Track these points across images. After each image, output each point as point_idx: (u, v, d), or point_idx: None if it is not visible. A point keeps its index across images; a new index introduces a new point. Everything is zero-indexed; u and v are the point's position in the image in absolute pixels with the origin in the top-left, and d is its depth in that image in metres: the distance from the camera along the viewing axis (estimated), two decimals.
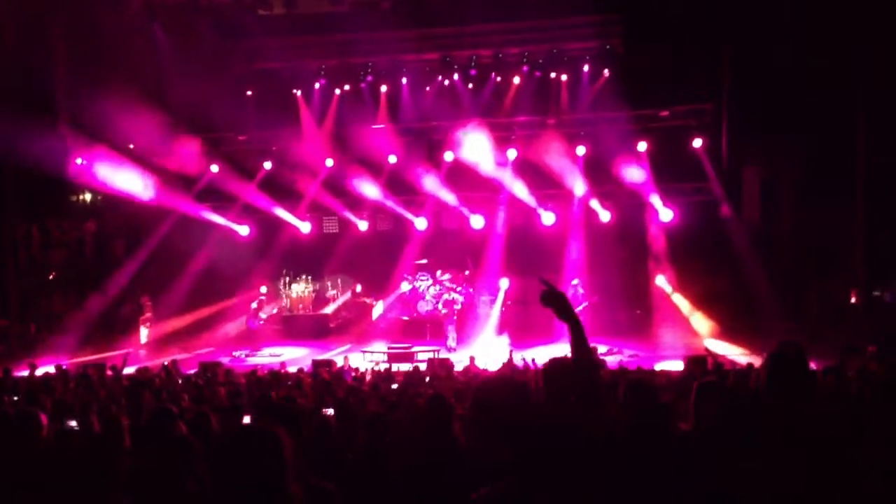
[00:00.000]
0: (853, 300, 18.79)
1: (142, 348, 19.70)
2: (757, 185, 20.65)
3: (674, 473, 3.63)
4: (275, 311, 21.72)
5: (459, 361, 15.48)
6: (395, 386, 11.19)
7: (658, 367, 13.51)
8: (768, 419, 3.48)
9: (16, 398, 9.82)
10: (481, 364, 14.69)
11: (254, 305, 20.01)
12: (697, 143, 20.44)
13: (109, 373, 13.07)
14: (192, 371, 13.91)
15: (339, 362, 15.47)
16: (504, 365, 13.84)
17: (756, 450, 3.22)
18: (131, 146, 20.92)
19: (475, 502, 2.76)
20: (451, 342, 19.07)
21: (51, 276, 22.00)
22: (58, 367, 13.75)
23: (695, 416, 4.34)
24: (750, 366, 11.52)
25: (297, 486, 2.93)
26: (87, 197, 22.78)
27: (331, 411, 7.25)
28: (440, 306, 21.17)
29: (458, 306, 20.90)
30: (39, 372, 13.78)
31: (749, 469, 3.12)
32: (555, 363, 3.82)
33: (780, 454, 3.18)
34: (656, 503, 3.57)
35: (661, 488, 3.56)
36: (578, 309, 18.51)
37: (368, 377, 13.05)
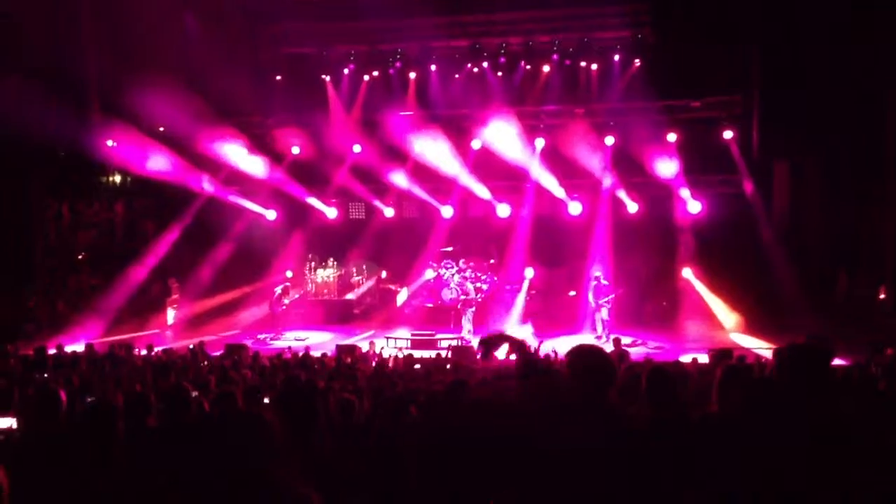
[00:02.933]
0: (881, 296, 18.54)
1: (168, 329, 19.91)
2: (787, 178, 20.42)
3: (697, 459, 3.61)
4: (297, 296, 21.84)
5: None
6: (417, 368, 11.23)
7: (683, 359, 13.42)
8: (782, 409, 3.46)
9: (45, 375, 9.98)
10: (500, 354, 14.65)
11: (278, 290, 20.13)
12: (728, 134, 20.23)
13: (138, 352, 13.24)
14: (217, 353, 14.04)
15: (363, 348, 15.54)
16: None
17: (775, 440, 3.21)
18: (161, 129, 21.08)
19: None
20: (466, 332, 19.07)
21: (80, 257, 22.25)
22: (88, 346, 13.94)
23: (719, 400, 4.32)
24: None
25: (283, 472, 2.94)
26: (118, 179, 23.00)
27: (353, 396, 7.29)
28: (462, 295, 21.17)
29: (478, 296, 20.83)
30: (67, 350, 13.96)
31: (769, 458, 3.10)
32: (578, 352, 3.80)
33: (795, 446, 3.16)
34: (679, 490, 3.56)
35: (683, 474, 3.54)
36: (604, 300, 18.53)
37: (391, 363, 13.11)
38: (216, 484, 2.86)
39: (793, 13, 18.41)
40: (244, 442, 2.94)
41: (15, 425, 6.34)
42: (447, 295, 21.63)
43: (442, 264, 21.99)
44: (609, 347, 16.10)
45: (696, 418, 4.22)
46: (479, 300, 20.64)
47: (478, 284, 21.26)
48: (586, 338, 17.82)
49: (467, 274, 21.42)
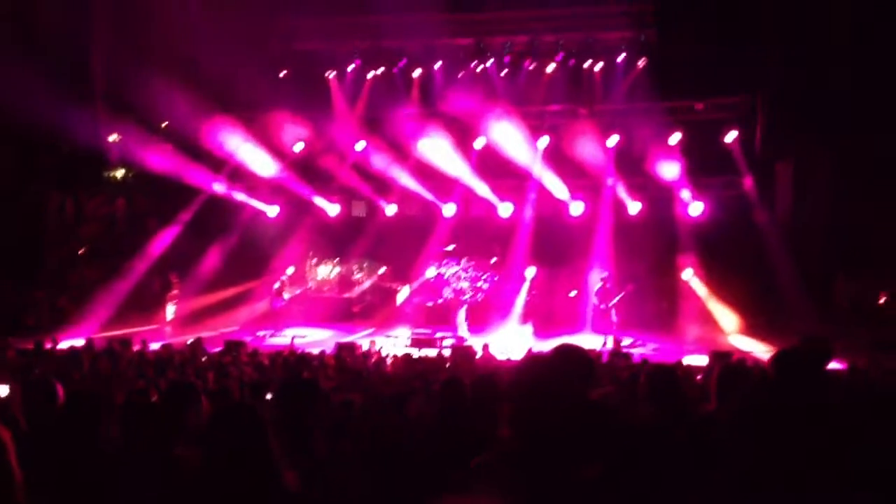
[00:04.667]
0: (881, 301, 18.50)
1: (167, 325, 19.90)
2: (790, 180, 20.36)
3: (698, 456, 3.60)
4: (298, 291, 21.84)
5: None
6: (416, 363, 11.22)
7: (683, 360, 13.40)
8: (777, 409, 3.44)
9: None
10: (498, 352, 14.67)
11: (276, 286, 20.15)
12: (731, 136, 20.21)
13: (136, 347, 13.24)
14: (216, 349, 14.02)
15: (363, 346, 15.52)
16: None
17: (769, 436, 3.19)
18: (165, 124, 21.07)
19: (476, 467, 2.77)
20: (462, 331, 19.07)
21: (81, 251, 22.25)
22: (88, 341, 13.92)
23: (717, 398, 4.31)
24: None
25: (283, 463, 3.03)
26: (120, 173, 23.00)
27: (353, 393, 7.30)
28: (461, 294, 21.16)
29: (478, 295, 20.81)
30: (65, 345, 13.95)
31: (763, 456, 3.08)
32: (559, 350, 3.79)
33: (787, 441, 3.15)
34: (680, 489, 3.54)
35: (684, 473, 3.53)
36: (612, 303, 18.53)
37: (390, 361, 13.09)
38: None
39: (796, 13, 18.36)
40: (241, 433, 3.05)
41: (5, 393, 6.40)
42: (448, 294, 21.61)
43: (443, 263, 21.97)
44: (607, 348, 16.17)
45: (695, 416, 4.22)
46: (479, 299, 20.59)
47: (478, 283, 21.21)
48: (587, 339, 17.78)
49: (466, 273, 21.35)
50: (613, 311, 18.58)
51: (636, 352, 16.24)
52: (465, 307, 19.56)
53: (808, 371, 3.69)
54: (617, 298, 18.62)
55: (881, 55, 17.18)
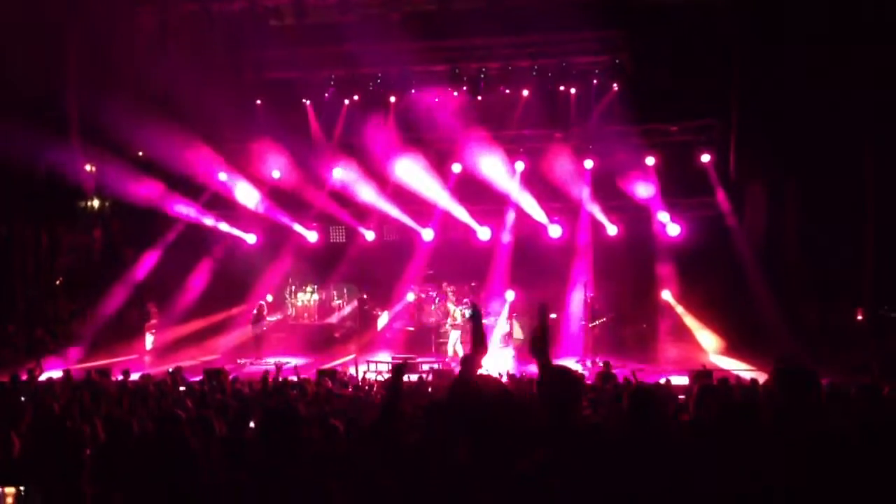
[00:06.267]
0: (859, 318, 18.70)
1: (147, 355, 19.76)
2: (763, 201, 20.58)
3: (675, 464, 3.64)
4: (279, 316, 21.78)
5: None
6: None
7: (663, 381, 13.45)
8: (775, 422, 3.51)
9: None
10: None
11: (255, 312, 20.11)
12: (705, 158, 20.46)
13: (115, 378, 13.12)
14: (196, 378, 13.92)
15: (345, 372, 15.47)
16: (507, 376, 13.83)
17: (758, 446, 3.25)
18: (140, 154, 21.03)
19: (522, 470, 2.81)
20: (452, 353, 19.11)
21: (58, 282, 22.08)
22: (66, 372, 13.79)
23: (694, 411, 4.38)
24: (754, 381, 11.49)
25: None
26: (96, 204, 22.89)
27: (335, 420, 7.26)
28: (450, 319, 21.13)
29: (461, 320, 20.80)
30: (43, 377, 13.81)
31: (751, 465, 3.14)
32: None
33: (785, 453, 3.20)
34: (658, 497, 3.58)
35: (662, 481, 3.57)
36: (595, 324, 18.63)
37: (372, 387, 13.06)
38: None
39: (770, 38, 18.63)
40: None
41: None
42: (428, 318, 21.58)
43: (423, 287, 21.97)
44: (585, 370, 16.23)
45: (670, 428, 4.27)
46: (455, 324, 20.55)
47: (449, 307, 21.04)
48: (566, 361, 17.82)
49: (450, 297, 21.30)
50: (592, 332, 18.69)
51: (616, 374, 16.27)
52: (458, 332, 19.65)
53: (811, 388, 3.78)
54: (598, 322, 18.73)
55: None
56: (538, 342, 4.07)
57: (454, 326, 20.03)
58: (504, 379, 12.96)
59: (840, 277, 19.06)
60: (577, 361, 18.36)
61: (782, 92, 18.14)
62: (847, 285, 19.10)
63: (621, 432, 4.21)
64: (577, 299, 19.75)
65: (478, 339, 4.80)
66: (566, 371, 3.89)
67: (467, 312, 19.06)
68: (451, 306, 20.52)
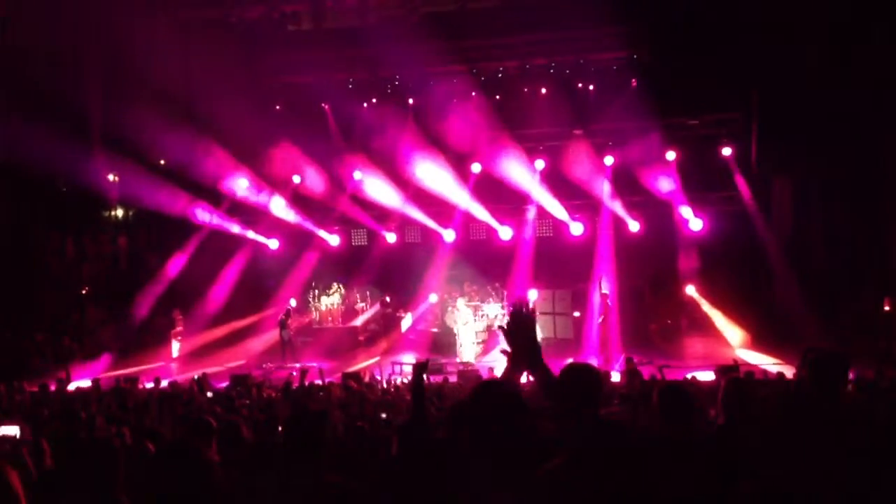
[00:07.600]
0: (886, 308, 18.47)
1: (173, 362, 19.89)
2: (788, 194, 20.39)
3: (711, 470, 3.61)
4: (305, 321, 21.87)
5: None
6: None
7: (689, 376, 13.36)
8: (811, 414, 3.47)
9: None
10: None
11: (282, 317, 20.19)
12: (726, 151, 20.30)
13: (143, 386, 13.23)
14: (223, 384, 14.01)
15: (369, 375, 15.49)
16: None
17: (799, 444, 3.22)
18: (162, 162, 21.18)
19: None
20: (470, 356, 19.11)
21: (84, 291, 22.28)
22: (94, 381, 13.91)
23: (724, 411, 4.33)
24: (781, 375, 11.40)
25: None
26: (120, 213, 23.08)
27: (362, 422, 7.28)
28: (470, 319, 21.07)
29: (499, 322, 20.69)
30: (72, 387, 13.94)
31: (790, 463, 3.10)
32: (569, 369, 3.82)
33: (823, 448, 3.17)
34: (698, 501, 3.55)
35: (701, 487, 3.54)
36: (599, 320, 18.53)
37: (398, 389, 13.06)
38: None
39: (789, 28, 18.46)
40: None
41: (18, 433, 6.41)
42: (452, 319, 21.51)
43: (446, 288, 21.92)
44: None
45: (702, 432, 4.23)
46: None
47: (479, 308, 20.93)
48: (590, 360, 17.72)
49: (474, 297, 21.17)
50: (603, 327, 18.62)
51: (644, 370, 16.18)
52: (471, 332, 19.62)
53: (841, 376, 3.75)
54: (601, 318, 18.65)
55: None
56: (523, 350, 3.59)
57: (466, 326, 19.84)
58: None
59: (868, 268, 18.85)
60: (594, 358, 18.22)
61: (803, 83, 17.97)
62: (875, 276, 18.88)
63: (652, 432, 4.18)
64: (596, 297, 19.64)
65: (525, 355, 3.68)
66: (582, 370, 3.82)
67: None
68: (461, 306, 20.20)
